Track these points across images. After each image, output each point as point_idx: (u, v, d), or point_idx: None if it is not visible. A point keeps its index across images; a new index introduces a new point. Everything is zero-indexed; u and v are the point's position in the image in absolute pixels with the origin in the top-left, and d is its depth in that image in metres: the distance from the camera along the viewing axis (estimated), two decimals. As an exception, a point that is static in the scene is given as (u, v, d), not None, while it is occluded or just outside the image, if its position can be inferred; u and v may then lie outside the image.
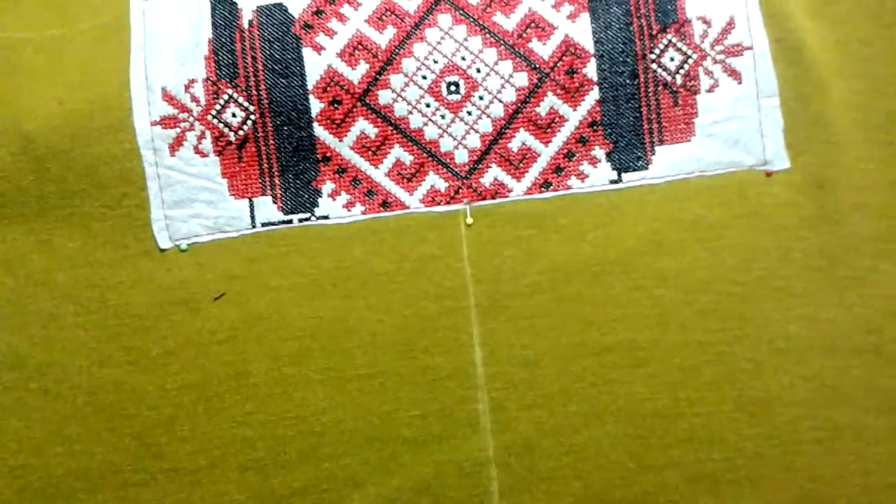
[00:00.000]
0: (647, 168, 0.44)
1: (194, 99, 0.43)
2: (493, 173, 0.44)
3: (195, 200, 0.43)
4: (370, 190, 0.44)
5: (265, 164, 0.44)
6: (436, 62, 0.44)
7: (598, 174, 0.44)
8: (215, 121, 0.43)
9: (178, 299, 0.43)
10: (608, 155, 0.44)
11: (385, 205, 0.44)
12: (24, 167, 0.43)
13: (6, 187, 0.43)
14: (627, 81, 0.44)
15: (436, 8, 0.44)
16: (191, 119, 0.43)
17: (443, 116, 0.44)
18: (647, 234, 0.44)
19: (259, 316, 0.43)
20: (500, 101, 0.44)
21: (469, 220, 0.44)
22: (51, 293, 0.43)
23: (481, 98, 0.44)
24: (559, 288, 0.44)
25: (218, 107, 0.43)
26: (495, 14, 0.44)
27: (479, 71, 0.44)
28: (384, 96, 0.44)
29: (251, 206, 0.44)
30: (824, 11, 0.44)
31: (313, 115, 0.43)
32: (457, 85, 0.44)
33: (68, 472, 0.43)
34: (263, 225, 0.44)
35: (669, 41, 0.44)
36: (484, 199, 0.44)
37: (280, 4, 0.44)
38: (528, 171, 0.44)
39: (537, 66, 0.44)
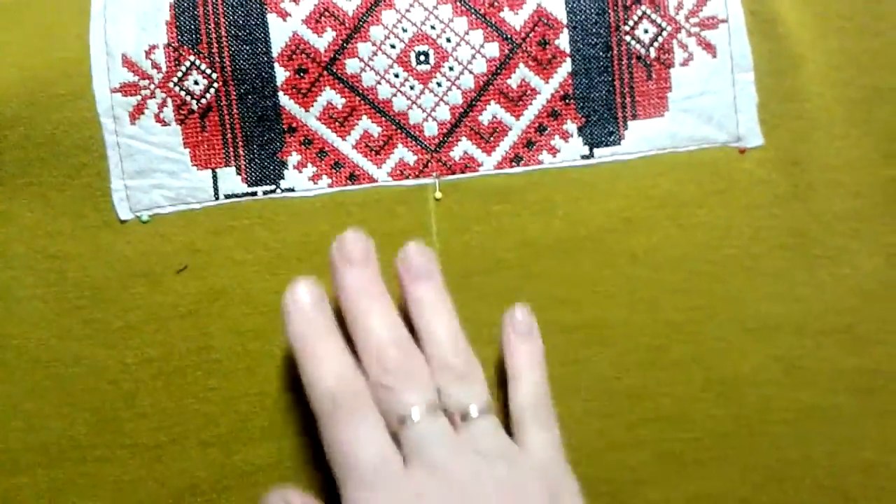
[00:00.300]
0: (619, 143, 0.43)
1: (155, 65, 0.42)
2: (462, 147, 0.43)
3: (156, 170, 0.42)
4: (337, 162, 0.43)
5: (229, 134, 0.43)
6: (405, 31, 0.43)
7: (569, 149, 0.43)
8: (177, 88, 0.42)
9: (139, 272, 0.42)
10: (580, 129, 0.43)
11: (352, 178, 0.43)
12: (-20, 135, 0.42)
13: (-38, 155, 0.42)
14: (600, 54, 0.43)
15: (406, -26, 0.43)
16: (152, 86, 0.42)
17: (412, 87, 0.43)
18: (619, 211, 0.43)
19: (222, 290, 0.42)
20: (471, 72, 0.43)
21: (438, 195, 0.43)
22: (8, 264, 0.42)
23: (451, 69, 0.43)
24: (528, 264, 0.43)
25: (180, 74, 0.42)
26: (467, -18, 0.43)
27: (449, 41, 0.43)
28: (351, 65, 0.42)
29: (214, 177, 0.43)
30: (802, -18, 0.44)
31: (278, 83, 0.42)
32: (426, 55, 0.43)
33: (26, 447, 0.42)
34: (227, 197, 0.43)
35: (644, 13, 0.43)
36: (453, 173, 0.43)
37: (245, -32, 0.43)
38: (498, 145, 0.43)
39: (509, 36, 0.43)
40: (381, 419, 0.33)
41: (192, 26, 0.42)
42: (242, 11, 0.42)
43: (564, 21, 0.43)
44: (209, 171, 0.43)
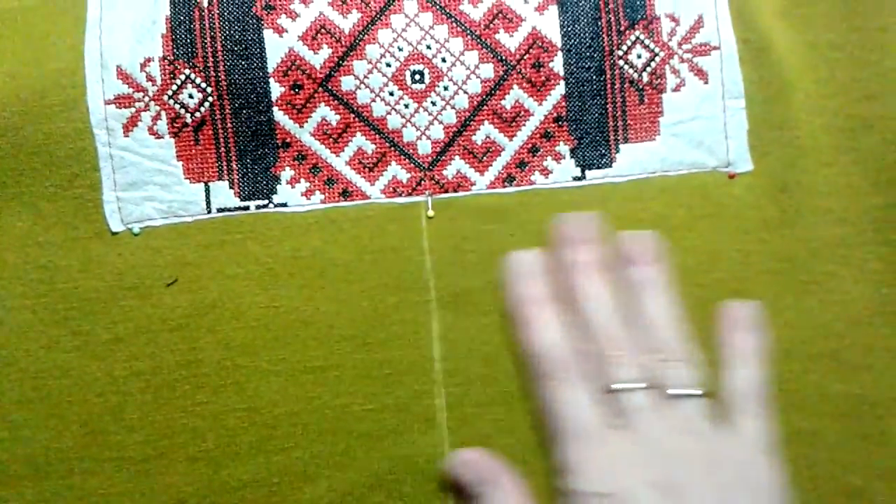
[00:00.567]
0: (610, 166, 0.44)
1: (150, 78, 0.42)
2: (455, 166, 0.43)
3: (149, 183, 0.42)
4: (330, 178, 0.43)
5: (222, 148, 0.43)
6: (400, 50, 0.43)
7: (561, 170, 0.44)
8: (171, 101, 0.42)
9: (130, 284, 0.42)
10: (572, 151, 0.44)
11: (345, 194, 0.43)
12: (-28, 143, 0.42)
13: (-47, 164, 0.42)
14: (594, 77, 0.43)
15: (402, -7, 0.43)
16: (146, 99, 0.42)
17: (406, 106, 0.43)
18: (609, 233, 0.43)
19: (212, 304, 0.42)
20: (465, 92, 0.43)
21: (430, 213, 0.43)
22: (-2, 274, 0.42)
23: (446, 88, 0.43)
24: (519, 284, 0.43)
25: (174, 87, 0.42)
26: (462, 3, 0.43)
27: (444, 60, 0.43)
28: (347, 83, 0.43)
29: (207, 190, 0.43)
30: (793, 13, 0.44)
31: (273, 99, 0.42)
32: (421, 74, 0.43)
33: (13, 458, 0.42)
34: (219, 210, 0.43)
35: (637, 38, 0.44)
36: (446, 191, 0.44)
37: (242, -17, 0.43)
38: (491, 165, 0.44)
39: (504, 57, 0.43)
40: (592, 385, 0.34)
41: (188, 40, 0.42)
42: (239, 26, 0.42)
43: (559, 44, 0.43)
44: (202, 184, 0.43)
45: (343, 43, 0.43)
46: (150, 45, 0.42)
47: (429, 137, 0.43)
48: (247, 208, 0.43)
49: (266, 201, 0.43)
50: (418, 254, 0.43)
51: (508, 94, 0.43)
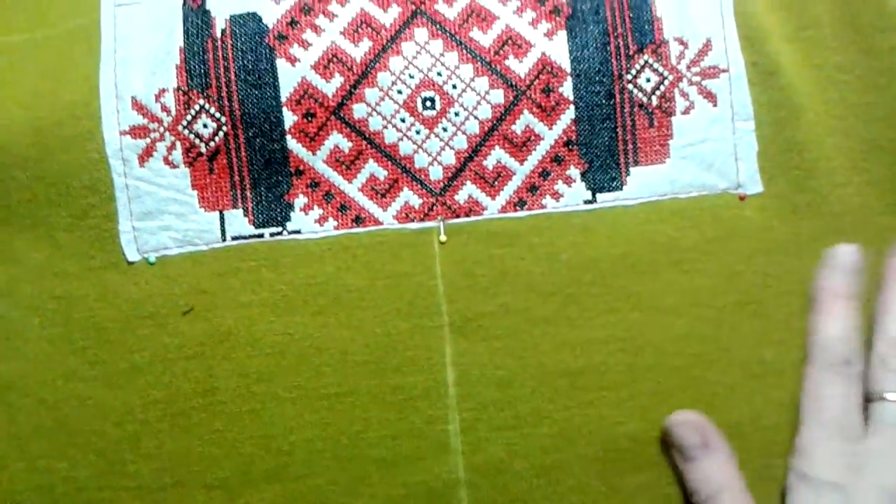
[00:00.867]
0: (621, 189, 0.44)
1: (165, 109, 0.43)
2: (467, 191, 0.44)
3: (164, 212, 0.43)
4: (343, 205, 0.44)
5: (236, 177, 0.43)
6: (411, 77, 0.43)
7: (572, 194, 0.44)
8: (186, 132, 0.43)
9: (146, 313, 0.43)
10: (583, 175, 0.44)
11: (358, 220, 0.44)
12: (-11, 175, 0.42)
13: (-30, 195, 0.43)
14: (603, 101, 0.44)
15: (412, 21, 0.44)
16: (161, 129, 0.43)
17: (418, 132, 0.43)
18: (622, 257, 0.44)
19: (228, 332, 0.43)
20: (476, 117, 0.44)
21: (443, 238, 0.44)
22: (15, 305, 0.43)
23: (457, 114, 0.43)
24: (533, 308, 0.43)
25: (189, 117, 0.43)
26: (472, 30, 0.44)
27: (455, 87, 0.43)
28: (359, 110, 0.43)
29: (221, 219, 0.43)
30: (802, 35, 0.44)
31: (286, 127, 0.43)
32: (432, 100, 0.43)
33: (30, 489, 0.42)
34: (234, 238, 0.43)
35: (646, 62, 0.44)
36: (458, 216, 0.44)
37: (254, 14, 0.43)
38: (502, 190, 0.44)
39: (513, 83, 0.44)
40: (861, 386, 0.36)
41: (202, 70, 0.43)
42: (252, 57, 0.43)
43: (568, 69, 0.44)
44: (217, 213, 0.43)
45: (355, 71, 0.43)
46: (165, 75, 0.43)
47: (440, 163, 0.44)
48: (261, 236, 0.43)
49: (280, 228, 0.43)
50: (431, 279, 0.43)
51: (518, 119, 0.44)
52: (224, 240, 0.43)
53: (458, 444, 0.43)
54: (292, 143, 0.43)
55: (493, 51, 0.44)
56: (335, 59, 0.43)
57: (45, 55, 0.43)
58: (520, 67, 0.44)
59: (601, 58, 0.44)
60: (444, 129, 0.44)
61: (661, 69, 0.44)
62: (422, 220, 0.44)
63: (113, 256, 0.43)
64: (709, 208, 0.44)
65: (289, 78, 0.43)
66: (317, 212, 0.43)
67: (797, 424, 0.37)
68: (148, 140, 0.43)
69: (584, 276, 0.44)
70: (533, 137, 0.44)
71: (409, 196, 0.44)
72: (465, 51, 0.44)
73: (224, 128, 0.43)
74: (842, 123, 0.44)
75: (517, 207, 0.44)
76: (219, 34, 0.43)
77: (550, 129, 0.44)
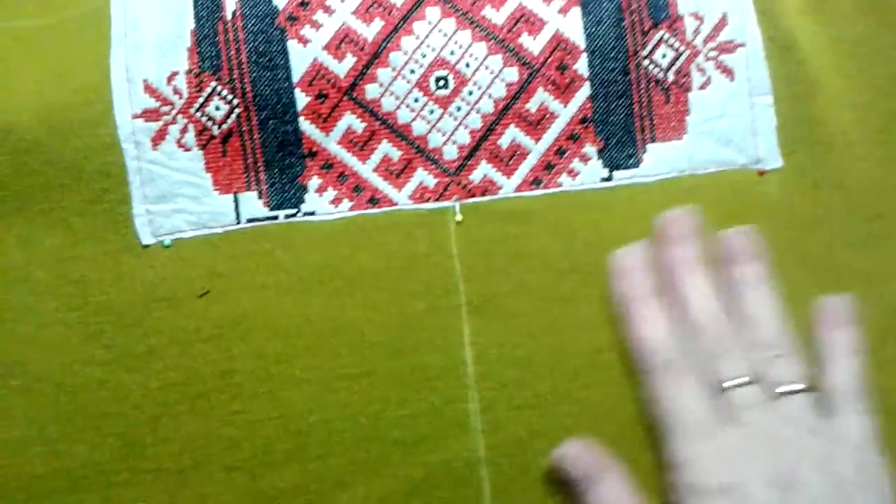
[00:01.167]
0: (638, 166, 0.44)
1: (177, 91, 0.42)
2: (482, 170, 0.44)
3: (178, 195, 0.43)
4: (357, 186, 0.43)
5: (250, 159, 0.43)
6: (424, 56, 0.43)
7: (589, 172, 0.44)
8: (198, 114, 0.42)
9: (162, 296, 0.43)
10: (599, 152, 0.44)
11: (373, 201, 0.43)
12: (3, 160, 0.42)
13: (-16, 181, 0.42)
14: (619, 78, 0.43)
15: (424, 1, 0.43)
16: (173, 112, 0.42)
17: (431, 111, 0.43)
18: (639, 234, 0.43)
19: (244, 314, 0.43)
20: (490, 96, 0.43)
21: (458, 218, 0.43)
22: (31, 289, 0.43)
23: (470, 93, 0.43)
24: (550, 287, 0.43)
25: (201, 100, 0.42)
26: (484, 7, 0.43)
27: (468, 66, 0.43)
28: (371, 90, 0.43)
29: (236, 201, 0.43)
30: (818, 8, 0.44)
31: (299, 109, 0.43)
32: (445, 80, 0.43)
33: (50, 472, 0.42)
34: (248, 221, 0.43)
35: (661, 37, 0.44)
36: (473, 196, 0.44)
37: (265, -5, 0.43)
38: (518, 168, 0.44)
39: (527, 61, 0.43)
40: (700, 381, 0.35)
41: (214, 53, 0.42)
42: (263, 38, 0.42)
43: (583, 46, 0.43)
44: (231, 195, 0.43)
45: (367, 51, 0.43)
46: (176, 58, 0.42)
47: (455, 142, 0.43)
48: (276, 218, 0.43)
49: (294, 210, 0.43)
50: (447, 259, 0.43)
51: (533, 97, 0.43)
52: (239, 222, 0.43)
53: (477, 424, 0.43)
54: (305, 125, 0.43)
55: (507, 28, 0.43)
56: (347, 40, 0.43)
57: (55, 40, 0.43)
58: (533, 45, 0.43)
59: (616, 34, 0.43)
60: (458, 109, 0.43)
61: (676, 44, 0.44)
62: (437, 199, 0.44)
63: (128, 240, 0.42)
64: (728, 184, 0.44)
65: (300, 59, 0.42)
66: (331, 193, 0.43)
67: (657, 440, 0.36)
68: (160, 123, 0.42)
69: (601, 253, 0.43)
70: (548, 115, 0.43)
71: (423, 176, 0.43)
72: (477, 29, 0.43)
73: (236, 110, 0.42)
74: (860, 97, 0.44)
75: (533, 186, 0.44)
76: (229, 16, 0.43)
77: (565, 106, 0.43)
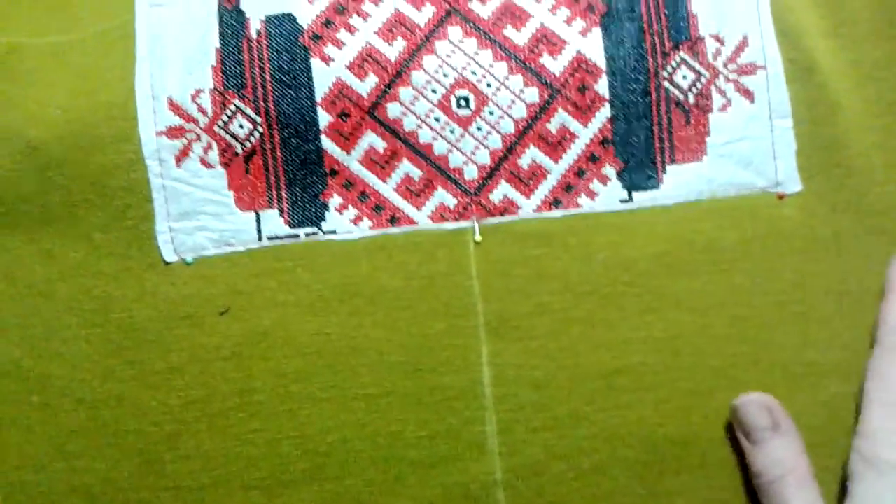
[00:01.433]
0: (657, 187, 0.44)
1: (201, 109, 0.43)
2: (502, 190, 0.44)
3: (201, 213, 0.43)
4: (378, 205, 0.44)
5: (272, 177, 0.43)
6: (446, 76, 0.43)
7: (608, 193, 0.44)
8: (222, 132, 0.43)
9: (183, 314, 0.43)
10: (619, 174, 0.44)
11: (393, 220, 0.44)
12: (27, 175, 0.43)
13: (8, 195, 0.43)
14: (639, 99, 0.44)
15: (446, 20, 0.44)
16: (197, 130, 0.43)
17: (452, 131, 0.43)
18: (659, 256, 0.43)
19: (264, 332, 0.43)
20: (511, 116, 0.43)
21: (478, 238, 0.44)
22: (53, 305, 0.43)
23: (491, 113, 0.43)
24: (569, 309, 0.43)
25: (225, 118, 0.43)
26: (506, 28, 0.44)
27: (489, 86, 0.43)
28: (393, 110, 0.43)
29: (258, 219, 0.43)
30: (839, 31, 0.44)
31: (321, 127, 0.43)
32: (467, 100, 0.43)
33: (70, 489, 0.43)
34: (270, 239, 0.43)
35: (682, 59, 0.44)
36: (493, 216, 0.44)
37: (289, 14, 0.43)
38: (537, 189, 0.44)
39: (548, 81, 0.43)
40: None
41: (238, 71, 0.43)
42: (287, 57, 0.43)
43: (604, 67, 0.43)
44: (252, 213, 0.43)
45: (389, 71, 0.43)
46: (201, 76, 0.43)
47: (475, 162, 0.44)
48: (297, 236, 0.43)
49: (315, 228, 0.43)
50: (466, 279, 0.43)
51: (553, 117, 0.43)
52: (260, 240, 0.43)
53: (495, 446, 0.43)
54: (327, 143, 0.43)
55: (528, 49, 0.43)
56: (369, 59, 0.43)
57: (80, 56, 0.44)
58: (554, 65, 0.43)
59: (637, 55, 0.43)
60: (479, 129, 0.43)
61: (697, 66, 0.44)
62: (457, 219, 0.44)
63: (150, 257, 0.43)
64: (747, 207, 0.44)
65: (323, 78, 0.43)
66: (352, 212, 0.43)
67: (860, 407, 0.37)
68: (184, 140, 0.43)
69: (621, 276, 0.43)
70: (568, 136, 0.44)
71: (443, 196, 0.44)
72: (499, 49, 0.43)
73: (259, 128, 0.43)
74: (880, 121, 0.44)
75: (552, 207, 0.44)
76: (254, 35, 0.43)
77: (586, 127, 0.44)
